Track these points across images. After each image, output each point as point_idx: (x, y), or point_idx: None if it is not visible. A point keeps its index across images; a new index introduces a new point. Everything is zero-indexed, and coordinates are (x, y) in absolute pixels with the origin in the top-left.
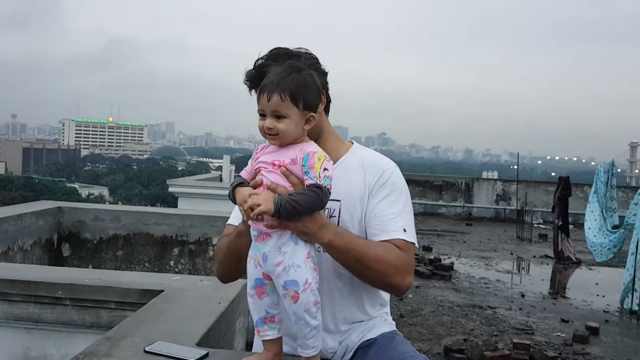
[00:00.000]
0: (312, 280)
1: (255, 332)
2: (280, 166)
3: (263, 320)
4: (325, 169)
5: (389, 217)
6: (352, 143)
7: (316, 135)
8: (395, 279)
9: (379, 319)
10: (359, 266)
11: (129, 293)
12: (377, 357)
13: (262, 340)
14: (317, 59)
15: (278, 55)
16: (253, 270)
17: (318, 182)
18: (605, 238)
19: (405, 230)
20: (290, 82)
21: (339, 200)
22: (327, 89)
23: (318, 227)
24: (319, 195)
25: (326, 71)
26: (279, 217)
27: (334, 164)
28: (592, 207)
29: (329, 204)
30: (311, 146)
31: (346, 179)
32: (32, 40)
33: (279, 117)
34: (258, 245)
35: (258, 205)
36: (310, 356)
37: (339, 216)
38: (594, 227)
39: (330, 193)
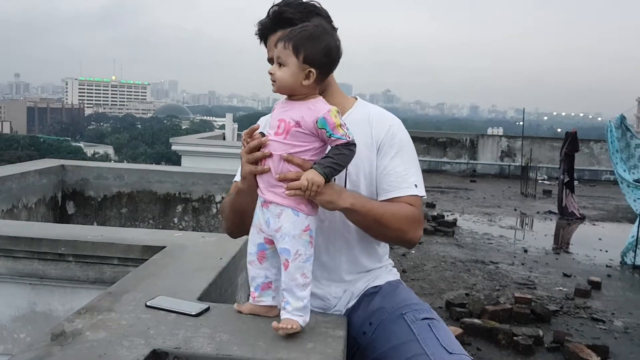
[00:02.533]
0: (304, 253)
1: (251, 297)
2: (286, 130)
3: (260, 286)
4: (344, 123)
5: (401, 174)
6: (356, 99)
7: (322, 90)
8: (409, 234)
9: (383, 269)
10: (377, 226)
11: (131, 249)
12: (381, 303)
13: (258, 306)
14: (326, 12)
15: (293, 3)
16: (255, 235)
17: (347, 138)
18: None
19: (416, 186)
20: (299, 34)
21: None
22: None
23: (337, 194)
24: (353, 151)
25: (336, 27)
26: (326, 182)
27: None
28: (619, 168)
29: None
30: (319, 104)
31: (353, 132)
32: None
33: (280, 64)
34: (263, 211)
35: (318, 185)
36: (288, 319)
37: (346, 170)
38: (625, 187)
39: (356, 144)
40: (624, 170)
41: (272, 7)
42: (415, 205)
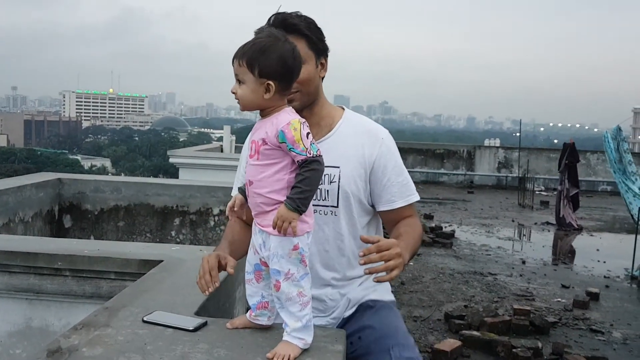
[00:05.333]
0: (296, 272)
1: (248, 313)
2: (257, 150)
3: (256, 305)
4: (307, 134)
5: (402, 183)
6: (343, 108)
7: (313, 100)
8: (421, 240)
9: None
10: (417, 251)
11: (128, 263)
12: (374, 322)
13: (253, 323)
14: (314, 22)
15: (276, 22)
16: (252, 256)
17: (307, 154)
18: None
19: (412, 192)
20: (250, 48)
21: (338, 167)
22: (327, 53)
23: (402, 254)
24: (318, 169)
25: (324, 36)
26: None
27: (329, 131)
28: (619, 178)
29: (328, 170)
30: (281, 116)
31: (344, 145)
32: (44, 9)
33: (240, 82)
34: (258, 233)
35: (290, 220)
36: (287, 342)
37: (339, 182)
38: (628, 198)
39: (322, 157)
40: (626, 179)
41: (272, 15)
42: (414, 210)
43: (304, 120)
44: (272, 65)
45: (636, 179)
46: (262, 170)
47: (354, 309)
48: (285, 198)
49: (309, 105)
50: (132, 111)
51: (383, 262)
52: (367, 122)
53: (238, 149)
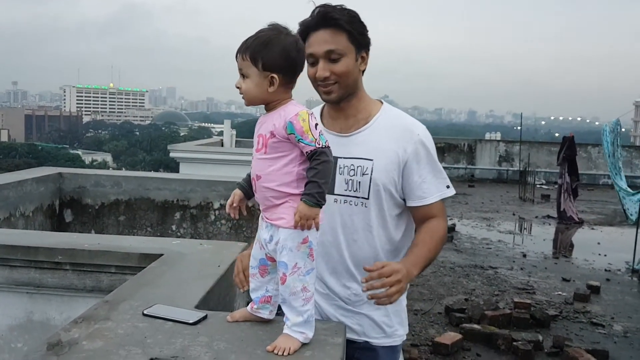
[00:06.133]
0: (303, 266)
1: (250, 305)
2: (264, 144)
3: (259, 299)
4: (316, 125)
5: (433, 180)
6: (382, 102)
7: (351, 93)
8: (445, 240)
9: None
10: (434, 257)
11: (128, 257)
12: None
13: (254, 315)
14: (357, 15)
15: (318, 16)
16: (258, 251)
17: (317, 145)
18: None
19: (448, 187)
20: (253, 42)
21: (372, 160)
22: (368, 47)
23: (406, 277)
24: (328, 160)
25: (366, 29)
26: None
27: (366, 123)
28: (612, 172)
29: (361, 163)
30: (289, 107)
31: (379, 138)
32: (45, 4)
33: (244, 76)
34: (265, 228)
35: (314, 217)
36: (287, 335)
37: (371, 174)
38: (620, 193)
39: (330, 148)
40: (616, 174)
41: (315, 8)
42: (443, 208)
43: (311, 111)
44: (275, 58)
45: (622, 176)
46: (270, 163)
47: (361, 339)
48: (294, 190)
49: (347, 98)
50: (132, 106)
51: (385, 288)
52: (404, 117)
53: (238, 144)
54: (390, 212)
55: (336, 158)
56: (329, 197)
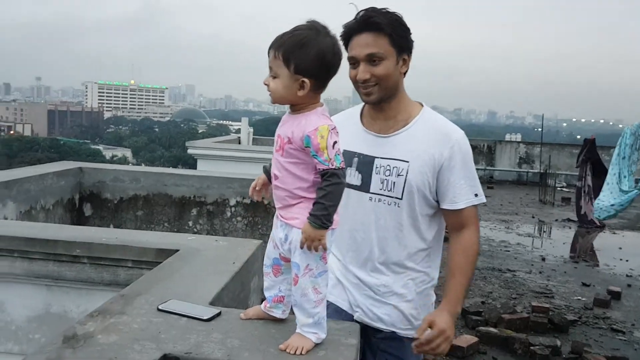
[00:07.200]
0: (315, 268)
1: (263, 304)
2: (282, 147)
3: (272, 298)
4: (334, 143)
5: (464, 186)
6: (422, 105)
7: (390, 95)
8: (478, 252)
9: (421, 284)
10: (472, 277)
11: (145, 252)
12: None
13: (267, 314)
14: (399, 18)
15: (360, 19)
16: (272, 250)
17: (330, 165)
18: (615, 199)
19: (476, 195)
20: (288, 40)
21: (408, 162)
22: (410, 50)
23: (451, 327)
24: (339, 183)
25: (409, 32)
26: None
27: (404, 125)
28: (614, 170)
29: (397, 164)
30: (311, 118)
31: (416, 141)
32: (69, 1)
33: (273, 74)
34: (280, 227)
35: (319, 238)
36: (299, 335)
37: (406, 175)
38: (607, 188)
39: (344, 170)
40: (615, 175)
41: (359, 11)
42: (475, 215)
43: (333, 126)
44: (310, 61)
45: (626, 177)
46: (287, 166)
47: (389, 329)
48: (310, 194)
49: (387, 99)
50: (152, 102)
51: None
52: (442, 121)
53: (255, 141)
54: (423, 213)
55: (373, 158)
56: (364, 195)
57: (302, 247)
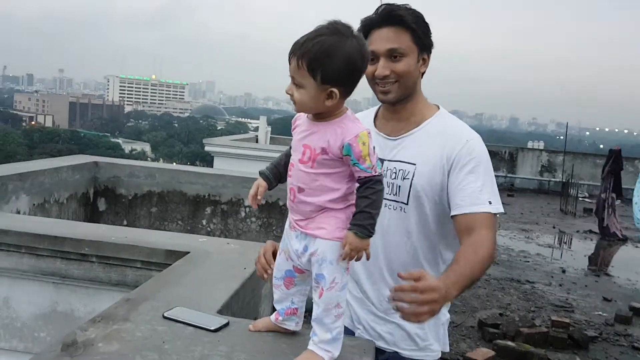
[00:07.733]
0: (340, 281)
1: (274, 316)
2: (312, 158)
3: (285, 310)
4: (374, 148)
5: (475, 190)
6: (438, 108)
7: (408, 94)
8: (490, 263)
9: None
10: (474, 282)
11: (154, 253)
12: None
13: (279, 327)
14: (421, 16)
15: (383, 13)
16: (284, 262)
17: (373, 172)
18: None
19: (490, 203)
20: (312, 48)
21: (414, 164)
22: (430, 49)
23: (444, 297)
24: (382, 189)
25: (430, 31)
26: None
27: (416, 127)
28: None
29: (403, 166)
30: (347, 124)
31: (426, 143)
32: None
33: (297, 85)
34: (296, 238)
35: (364, 248)
36: (312, 352)
37: (412, 179)
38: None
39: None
40: None
41: (380, 5)
42: (488, 226)
43: (369, 130)
44: (338, 70)
45: None
46: (316, 178)
47: (391, 349)
48: (339, 206)
49: (403, 100)
50: (172, 98)
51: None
52: (457, 124)
53: (273, 140)
54: (434, 219)
55: (382, 161)
56: None
57: (344, 258)
